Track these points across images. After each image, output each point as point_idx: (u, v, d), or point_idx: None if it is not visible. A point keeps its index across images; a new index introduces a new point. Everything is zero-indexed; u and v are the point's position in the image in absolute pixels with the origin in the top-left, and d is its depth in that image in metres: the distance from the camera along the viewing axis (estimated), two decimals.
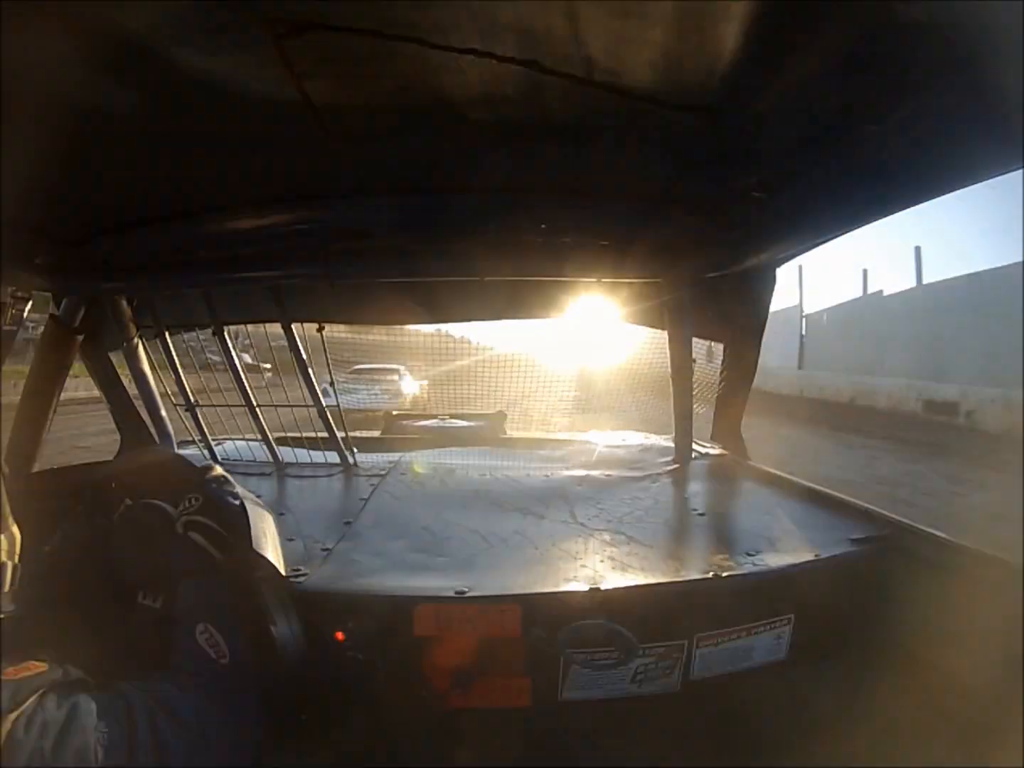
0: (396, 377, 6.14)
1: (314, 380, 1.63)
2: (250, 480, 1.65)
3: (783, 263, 1.38)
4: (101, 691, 0.65)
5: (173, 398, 1.74)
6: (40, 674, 0.61)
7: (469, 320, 1.76)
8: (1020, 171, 0.68)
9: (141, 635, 0.96)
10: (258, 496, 1.40)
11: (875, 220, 0.92)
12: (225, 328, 1.57)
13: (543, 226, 1.21)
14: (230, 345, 1.61)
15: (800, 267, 17.08)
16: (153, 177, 1.02)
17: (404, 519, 1.31)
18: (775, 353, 15.20)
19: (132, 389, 1.77)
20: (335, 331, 1.69)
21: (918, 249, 14.09)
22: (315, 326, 1.57)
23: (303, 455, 1.80)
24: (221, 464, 1.76)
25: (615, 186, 1.12)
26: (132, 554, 0.97)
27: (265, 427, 1.71)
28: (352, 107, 0.81)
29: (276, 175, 1.05)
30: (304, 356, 1.59)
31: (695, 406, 1.72)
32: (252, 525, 1.02)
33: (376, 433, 2.47)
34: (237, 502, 0.98)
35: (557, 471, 1.73)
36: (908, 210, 0.86)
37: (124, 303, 1.57)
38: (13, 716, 0.55)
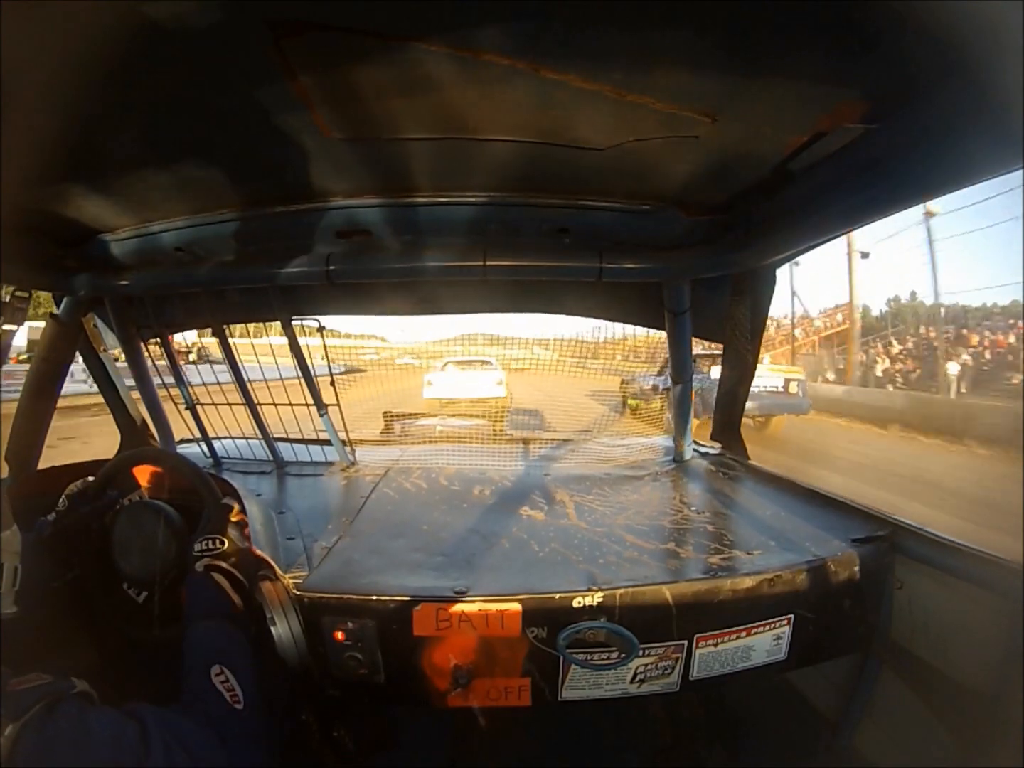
0: (488, 367, 6.63)
1: (314, 378, 1.63)
2: (250, 478, 1.65)
3: (783, 263, 1.38)
4: (115, 707, 0.64)
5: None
6: (45, 684, 0.60)
7: (468, 313, 1.76)
8: (1020, 171, 0.68)
9: (118, 622, 0.98)
10: (258, 495, 1.41)
11: (875, 220, 0.92)
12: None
13: (543, 226, 1.21)
14: (231, 344, 1.61)
15: None
16: (153, 177, 1.02)
17: (404, 518, 1.31)
18: None
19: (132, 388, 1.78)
20: None
21: None
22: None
23: (303, 453, 1.80)
24: (220, 462, 1.78)
25: (615, 186, 1.12)
26: (131, 548, 0.98)
27: (265, 425, 1.72)
28: (352, 107, 0.81)
29: (276, 174, 1.05)
30: (304, 355, 1.60)
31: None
32: (252, 525, 1.02)
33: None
34: (257, 551, 1.00)
35: (557, 470, 1.73)
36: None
37: (124, 303, 1.57)
38: (20, 723, 0.54)
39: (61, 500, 1.03)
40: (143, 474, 1.20)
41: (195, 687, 0.76)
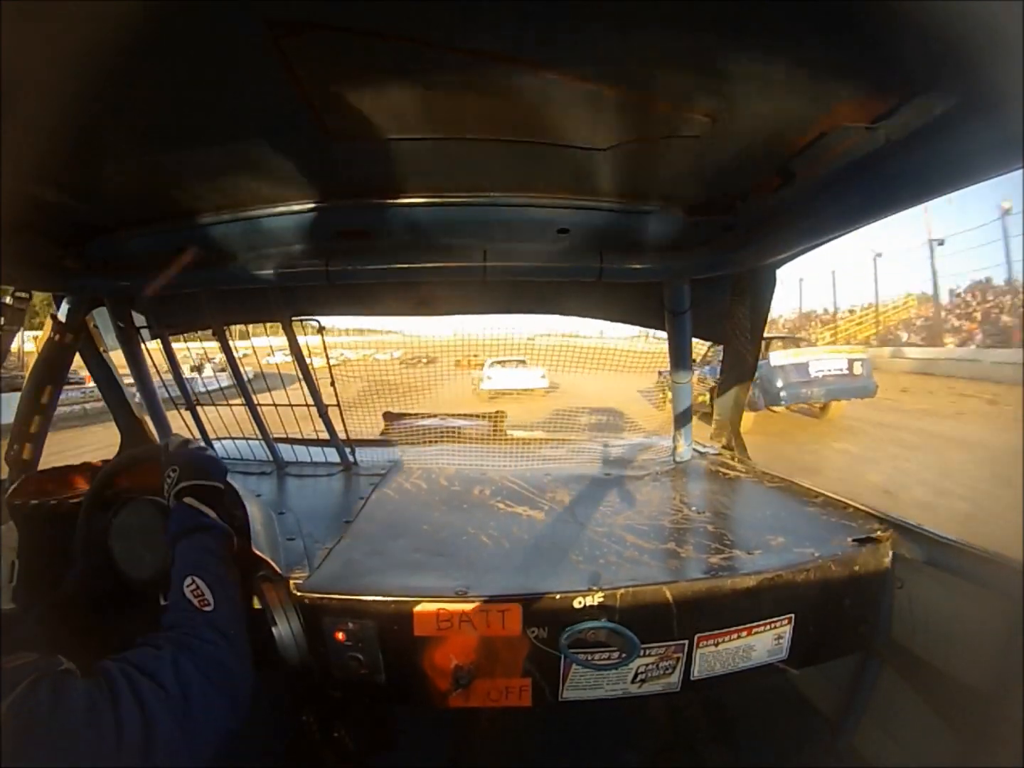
0: (525, 365, 7.83)
1: (315, 379, 1.63)
2: (250, 479, 1.65)
3: (783, 263, 1.38)
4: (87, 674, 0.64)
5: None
6: (30, 662, 0.60)
7: (470, 313, 1.76)
8: (1020, 171, 0.68)
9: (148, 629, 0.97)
10: (258, 495, 1.41)
11: (875, 220, 0.92)
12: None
13: (543, 226, 1.21)
14: (230, 344, 1.61)
15: None
16: (153, 177, 1.02)
17: (404, 518, 1.31)
18: None
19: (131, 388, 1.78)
20: None
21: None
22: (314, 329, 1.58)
23: (303, 454, 1.80)
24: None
25: (615, 186, 1.12)
26: (136, 553, 0.97)
27: (265, 426, 1.72)
28: (352, 107, 0.81)
29: (276, 175, 1.05)
30: (304, 355, 1.60)
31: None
32: (252, 525, 1.02)
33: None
34: (208, 451, 1.01)
35: (557, 470, 1.73)
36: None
37: (124, 303, 1.57)
38: (7, 702, 0.55)
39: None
40: (135, 478, 1.20)
41: (170, 604, 0.77)
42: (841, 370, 7.86)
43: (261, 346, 1.80)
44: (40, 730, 0.56)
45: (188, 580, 0.78)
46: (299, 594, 0.96)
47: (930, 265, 21.01)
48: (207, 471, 0.96)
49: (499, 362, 7.95)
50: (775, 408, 7.87)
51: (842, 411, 8.42)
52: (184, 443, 1.01)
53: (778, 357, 7.76)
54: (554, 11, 0.60)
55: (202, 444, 1.02)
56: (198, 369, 1.83)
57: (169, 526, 0.90)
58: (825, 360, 7.84)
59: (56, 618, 0.87)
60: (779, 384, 7.51)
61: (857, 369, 7.95)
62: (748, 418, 7.66)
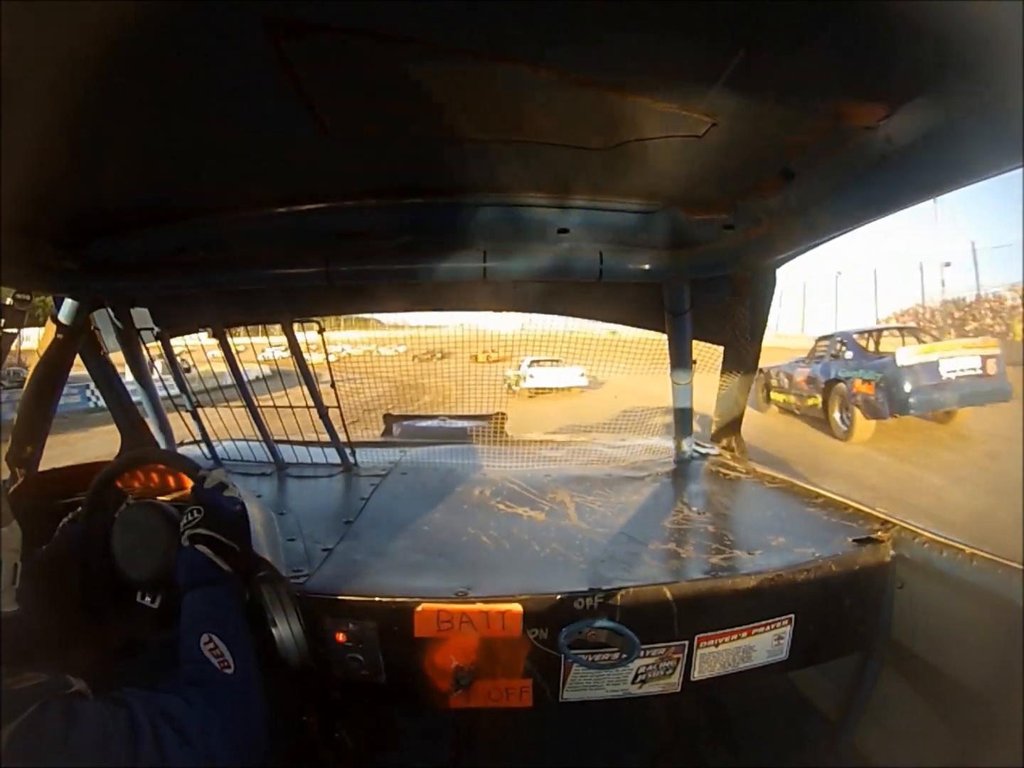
0: (560, 364, 8.30)
1: (314, 380, 1.63)
2: (251, 480, 1.65)
3: (783, 263, 1.38)
4: (103, 700, 0.64)
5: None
6: (40, 684, 0.59)
7: (469, 310, 1.76)
8: (1020, 170, 0.68)
9: (139, 635, 0.97)
10: (259, 496, 1.41)
11: (875, 220, 0.92)
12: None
13: (543, 226, 1.21)
14: (230, 345, 1.61)
15: None
16: (153, 178, 1.02)
17: (404, 519, 1.31)
18: None
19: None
20: None
21: None
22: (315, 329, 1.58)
23: (303, 455, 1.80)
24: (221, 464, 1.78)
25: (615, 186, 1.12)
26: (135, 554, 0.97)
27: (266, 427, 1.72)
28: (352, 107, 0.81)
29: (276, 175, 1.05)
30: (304, 357, 1.60)
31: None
32: (252, 526, 1.02)
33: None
34: (238, 507, 0.98)
35: (557, 471, 1.73)
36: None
37: (124, 305, 1.57)
38: (13, 726, 0.54)
39: (56, 533, 1.01)
40: (137, 478, 1.20)
41: (187, 659, 0.76)
42: (974, 369, 6.34)
43: (259, 343, 1.79)
44: (52, 756, 0.55)
45: (205, 638, 0.77)
46: (300, 595, 0.96)
47: None
48: (229, 528, 0.94)
49: (536, 361, 8.44)
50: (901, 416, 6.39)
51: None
52: (219, 487, 0.99)
53: (905, 355, 6.32)
54: (554, 11, 0.60)
55: (236, 496, 0.99)
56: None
57: (179, 570, 0.89)
58: (957, 358, 6.35)
59: (49, 614, 0.87)
60: (907, 388, 6.11)
61: (991, 367, 6.37)
62: (868, 426, 6.31)
